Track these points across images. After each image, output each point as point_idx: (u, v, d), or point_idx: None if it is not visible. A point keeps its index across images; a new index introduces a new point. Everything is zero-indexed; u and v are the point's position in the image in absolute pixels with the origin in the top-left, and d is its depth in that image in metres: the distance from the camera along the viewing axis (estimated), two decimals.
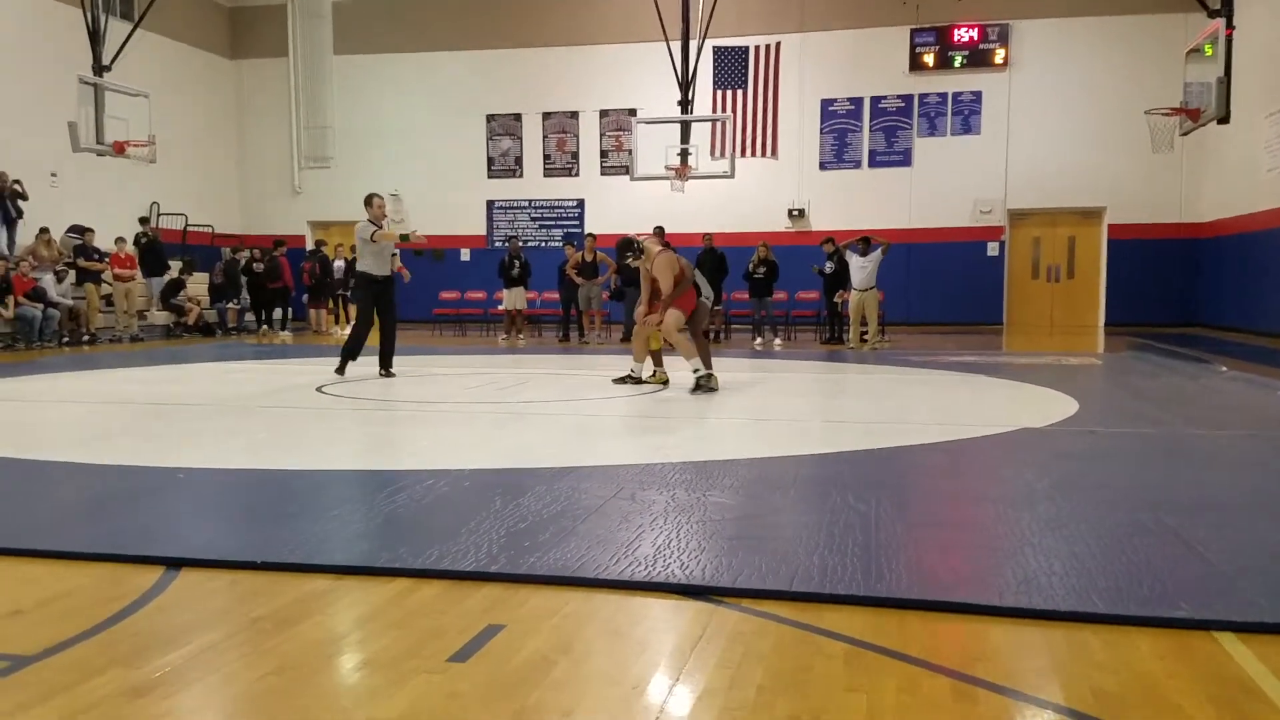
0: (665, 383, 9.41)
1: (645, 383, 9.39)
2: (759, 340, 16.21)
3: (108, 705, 2.51)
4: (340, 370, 10.32)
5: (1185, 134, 14.52)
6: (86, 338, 16.38)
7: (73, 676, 2.69)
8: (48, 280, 15.88)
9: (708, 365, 9.11)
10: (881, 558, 3.70)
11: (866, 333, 15.02)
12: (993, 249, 20.22)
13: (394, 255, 10.61)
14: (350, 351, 10.39)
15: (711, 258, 16.29)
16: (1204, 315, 18.87)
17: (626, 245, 9.56)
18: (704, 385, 8.88)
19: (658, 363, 9.62)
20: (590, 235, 17.29)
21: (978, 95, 19.92)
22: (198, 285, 19.51)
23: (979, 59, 19.80)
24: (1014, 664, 2.82)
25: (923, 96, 20.13)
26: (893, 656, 2.84)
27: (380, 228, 10.33)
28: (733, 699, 2.56)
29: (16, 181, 16.36)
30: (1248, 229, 16.83)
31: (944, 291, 19.93)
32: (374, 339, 10.44)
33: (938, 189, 20.02)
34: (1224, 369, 10.76)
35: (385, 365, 10.44)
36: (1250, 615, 3.09)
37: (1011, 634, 3.05)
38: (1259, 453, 6.18)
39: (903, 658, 2.83)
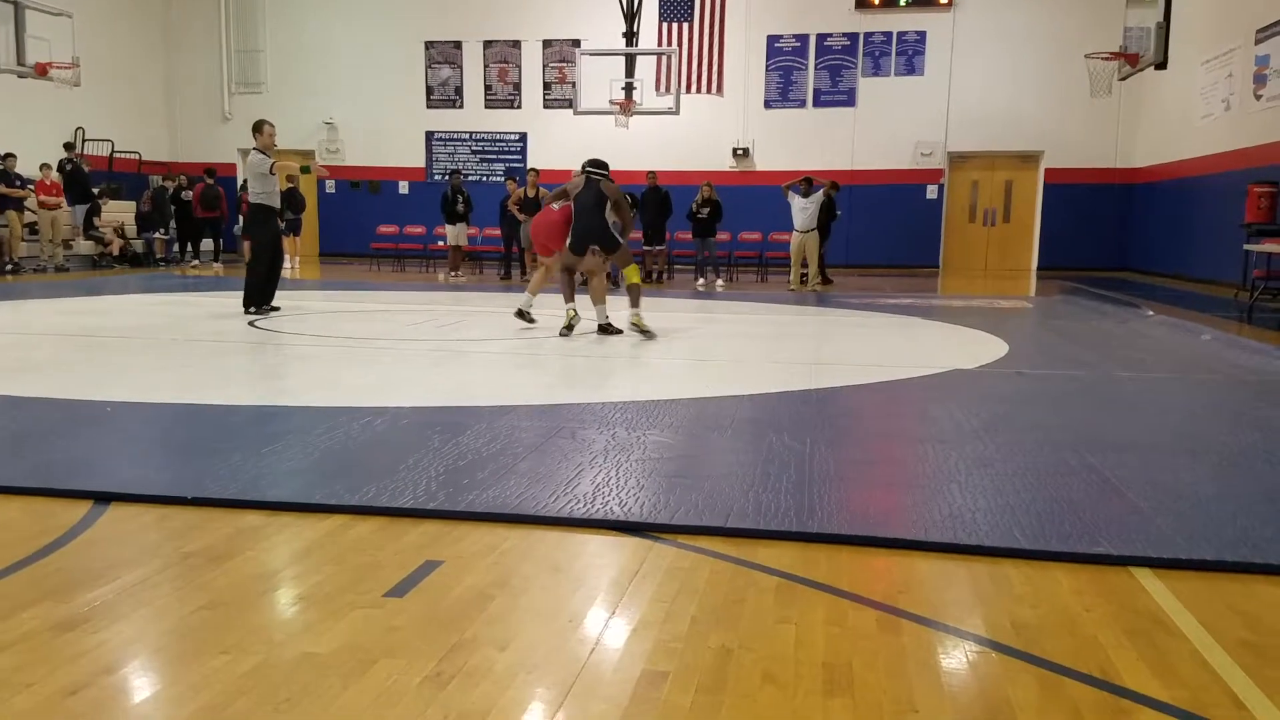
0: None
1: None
2: (701, 281, 16.23)
3: (36, 639, 2.49)
4: (257, 309, 10.01)
5: (1124, 79, 14.65)
6: (10, 267, 15.88)
7: None
8: None
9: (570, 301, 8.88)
10: (814, 495, 3.77)
11: (806, 274, 15.11)
12: (931, 192, 20.36)
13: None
14: (262, 291, 10.07)
15: (655, 196, 16.22)
16: (1135, 260, 19.25)
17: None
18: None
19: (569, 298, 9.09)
20: (533, 170, 17.04)
21: (922, 35, 19.90)
22: (121, 214, 18.95)
23: None
24: (937, 596, 2.91)
25: (868, 35, 20.07)
26: (822, 589, 2.91)
27: (269, 157, 9.95)
28: (666, 631, 2.61)
29: None
30: (1179, 175, 17.13)
31: (883, 234, 20.07)
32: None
33: (881, 130, 20.05)
34: (1151, 313, 11.02)
35: (269, 300, 10.18)
36: (1166, 551, 3.21)
37: (936, 568, 3.13)
38: (1182, 395, 6.36)
39: (831, 590, 2.90)
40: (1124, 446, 4.71)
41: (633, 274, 9.07)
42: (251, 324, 9.14)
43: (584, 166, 9.03)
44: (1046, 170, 20.01)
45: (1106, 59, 14.52)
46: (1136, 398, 6.25)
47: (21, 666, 2.35)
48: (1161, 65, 12.68)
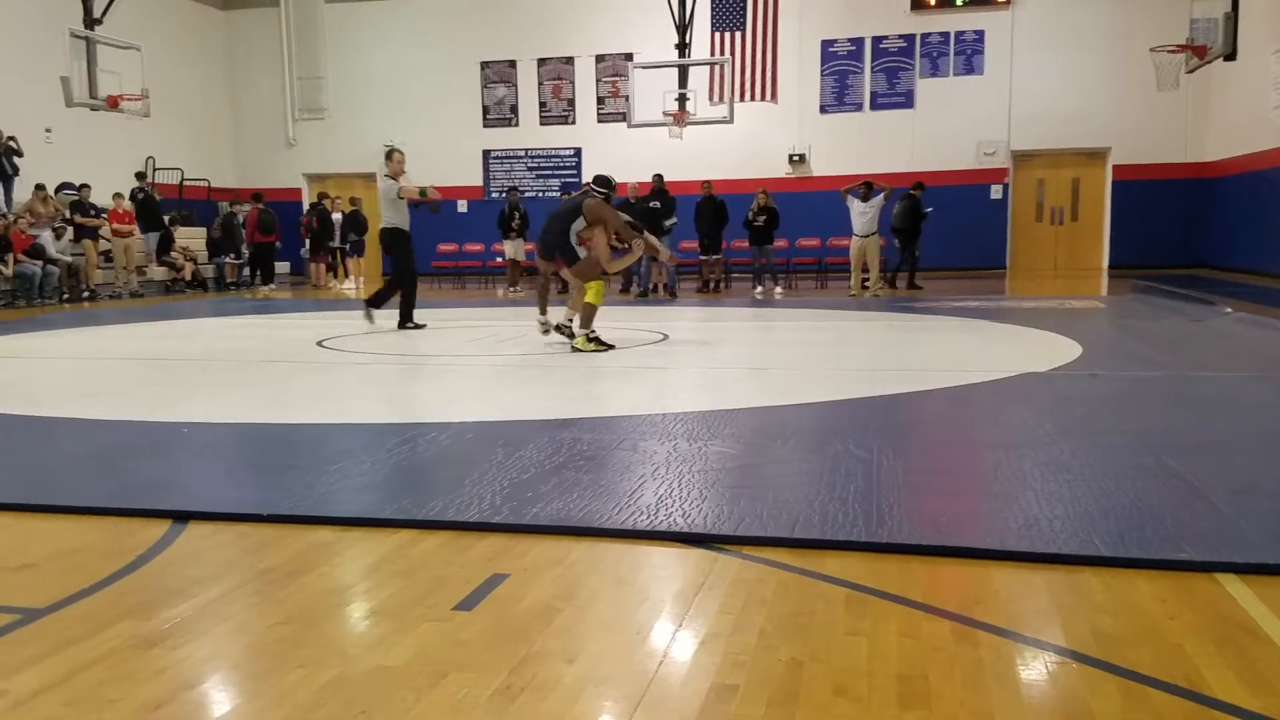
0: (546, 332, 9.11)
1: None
2: (759, 289, 16.16)
3: (118, 656, 2.54)
4: (370, 318, 10.41)
5: (1191, 71, 14.37)
6: (86, 294, 16.36)
7: (83, 629, 2.71)
8: (46, 237, 15.82)
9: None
10: (883, 504, 3.72)
11: (868, 279, 14.98)
12: (996, 192, 20.08)
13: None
14: (389, 302, 10.52)
15: (710, 206, 16.20)
16: (1209, 256, 18.78)
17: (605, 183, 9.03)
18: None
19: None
20: (589, 185, 17.12)
21: (980, 34, 19.66)
22: (192, 240, 19.40)
23: None
24: (1015, 606, 2.84)
25: (925, 36, 19.88)
26: (894, 600, 2.86)
27: (398, 183, 10.45)
28: (735, 643, 2.58)
29: (11, 138, 16.23)
30: (1254, 168, 16.68)
31: (947, 236, 19.81)
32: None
33: (940, 131, 19.82)
34: (1228, 310, 10.73)
35: (410, 318, 10.56)
36: (1252, 556, 3.10)
37: (1013, 577, 3.06)
38: (1263, 394, 6.18)
39: (904, 601, 2.85)
40: (1204, 448, 4.58)
41: (591, 293, 8.52)
42: (319, 344, 9.28)
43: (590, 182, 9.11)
44: (1114, 166, 19.62)
45: (1173, 51, 14.25)
46: (1216, 398, 6.08)
47: (106, 682, 2.40)
48: (1230, 56, 12.42)
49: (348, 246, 18.78)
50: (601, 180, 8.97)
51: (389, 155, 10.58)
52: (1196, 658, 2.47)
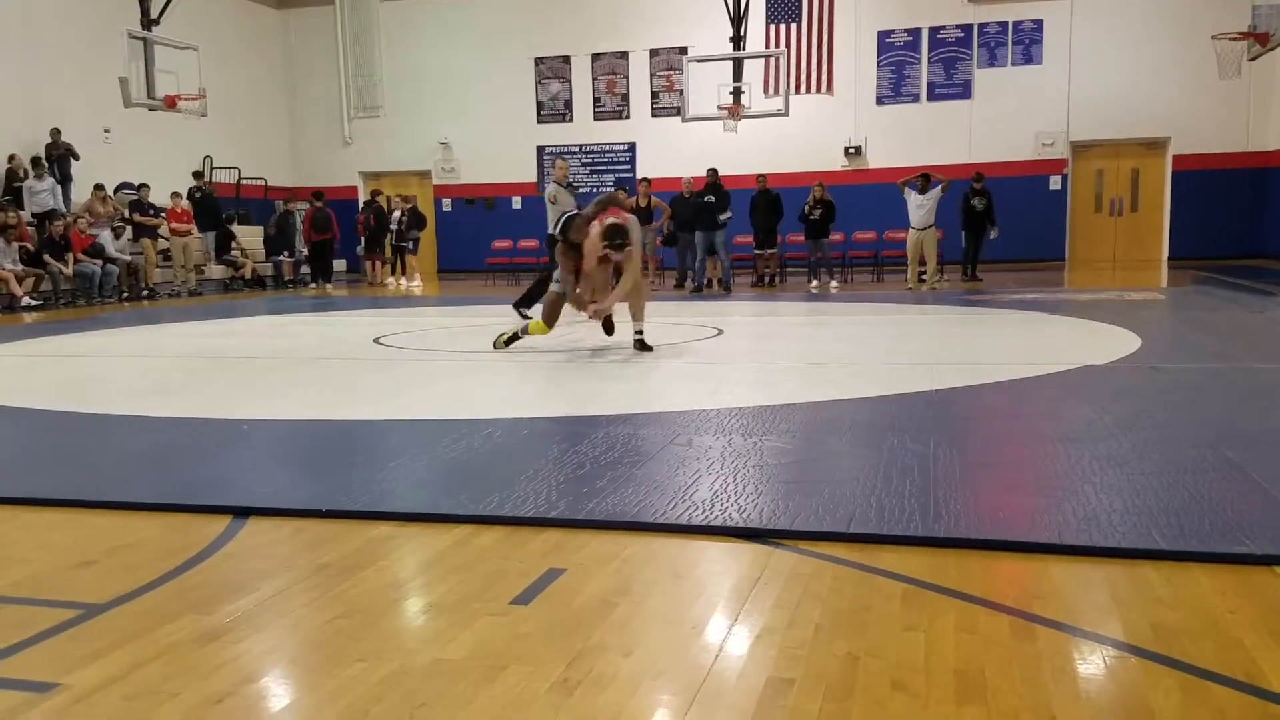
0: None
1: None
2: (815, 283, 16.08)
3: (179, 651, 2.59)
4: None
5: (1253, 59, 14.06)
6: (145, 293, 16.69)
7: (145, 623, 2.77)
8: (105, 236, 16.16)
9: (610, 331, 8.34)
10: (940, 498, 3.69)
11: (925, 272, 14.84)
12: (1055, 182, 19.79)
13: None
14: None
15: (765, 199, 16.14)
16: (1271, 247, 18.35)
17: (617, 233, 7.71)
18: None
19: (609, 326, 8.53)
20: (645, 180, 17.14)
21: (1039, 24, 19.38)
22: (249, 239, 19.69)
23: None
24: (1073, 601, 2.81)
25: (982, 26, 19.63)
26: (951, 595, 2.84)
27: (560, 188, 10.87)
28: (791, 638, 2.58)
29: (67, 145, 16.56)
30: None
31: (1005, 227, 19.54)
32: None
33: (998, 122, 19.58)
34: None
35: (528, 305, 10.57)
36: None
37: (1071, 571, 3.03)
38: None
39: (961, 596, 2.83)
40: (1266, 441, 4.49)
41: (535, 328, 8.16)
42: (376, 341, 9.39)
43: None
44: (1174, 157, 19.25)
45: (1235, 39, 13.95)
46: (1276, 390, 5.95)
47: (169, 676, 2.45)
48: None
49: (409, 244, 18.79)
50: (617, 230, 7.68)
51: (554, 164, 11.22)
52: (1257, 651, 2.43)
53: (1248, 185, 18.69)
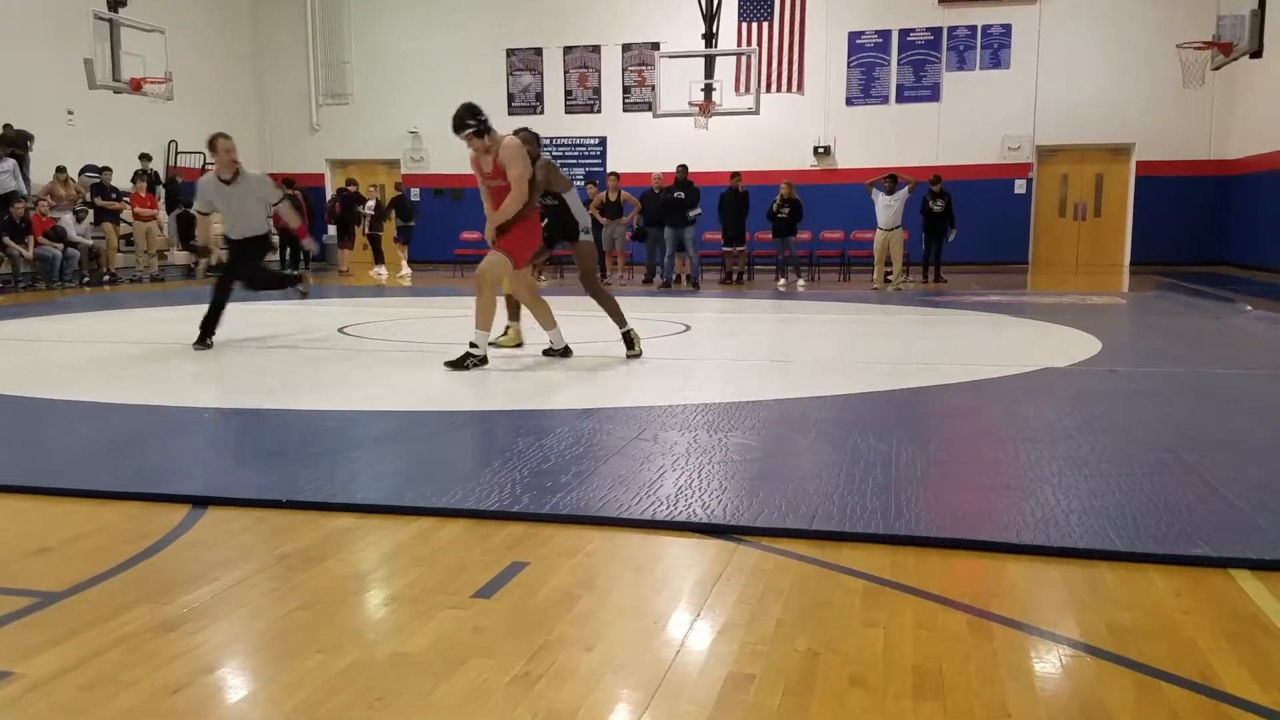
0: (519, 344, 8.07)
1: (498, 345, 7.85)
2: (782, 281, 16.14)
3: (136, 640, 2.57)
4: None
5: (1217, 68, 14.25)
6: (107, 278, 16.44)
7: (101, 612, 2.74)
8: (67, 220, 15.85)
9: (621, 323, 7.60)
10: (901, 497, 3.72)
11: (891, 273, 14.93)
12: (1020, 186, 19.96)
13: None
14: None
15: (734, 197, 16.18)
16: (1232, 254, 18.61)
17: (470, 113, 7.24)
18: (472, 359, 6.87)
19: (513, 316, 8.17)
20: (614, 174, 17.14)
21: (1007, 28, 19.53)
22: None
23: None
24: (1030, 600, 2.85)
25: (952, 29, 19.75)
26: (910, 593, 2.87)
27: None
28: (752, 633, 2.60)
29: (21, 131, 16.11)
30: (1278, 166, 16.53)
31: (970, 230, 19.71)
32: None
33: (966, 125, 19.71)
34: (1249, 308, 10.66)
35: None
36: (1268, 553, 3.10)
37: (1029, 571, 3.07)
38: None
39: (920, 594, 2.86)
40: (1222, 445, 4.56)
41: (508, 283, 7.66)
42: (341, 330, 9.33)
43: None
44: (1138, 163, 19.47)
45: (1199, 48, 14.13)
46: (1234, 395, 6.04)
47: (125, 666, 2.42)
48: (1257, 53, 12.31)
49: (396, 233, 18.49)
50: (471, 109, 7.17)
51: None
52: (1210, 653, 2.47)
53: (1210, 193, 18.94)
